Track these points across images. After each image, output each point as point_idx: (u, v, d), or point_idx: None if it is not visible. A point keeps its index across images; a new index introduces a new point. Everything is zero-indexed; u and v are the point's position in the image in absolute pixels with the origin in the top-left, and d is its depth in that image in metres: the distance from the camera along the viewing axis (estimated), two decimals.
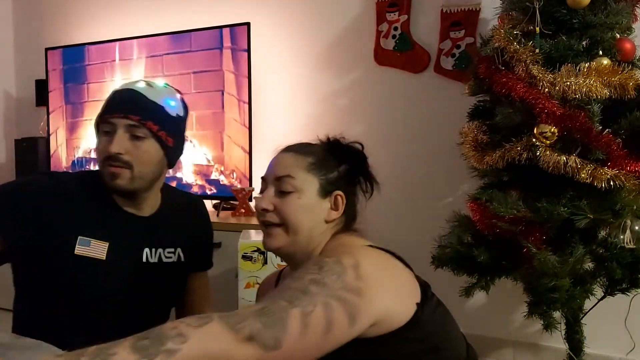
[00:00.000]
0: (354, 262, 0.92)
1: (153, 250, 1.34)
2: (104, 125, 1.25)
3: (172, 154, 1.31)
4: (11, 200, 1.23)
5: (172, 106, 1.29)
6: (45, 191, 1.25)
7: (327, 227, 1.07)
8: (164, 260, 1.35)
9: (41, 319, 1.27)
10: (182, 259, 1.39)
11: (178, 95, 1.34)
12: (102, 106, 1.29)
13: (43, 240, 1.22)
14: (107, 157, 1.23)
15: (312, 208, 1.05)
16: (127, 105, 1.24)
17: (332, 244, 1.07)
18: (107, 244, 1.26)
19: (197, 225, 1.47)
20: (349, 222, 1.11)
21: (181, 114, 1.32)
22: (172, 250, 1.37)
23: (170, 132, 1.28)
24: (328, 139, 1.12)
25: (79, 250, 1.23)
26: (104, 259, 1.25)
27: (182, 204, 1.45)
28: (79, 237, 1.24)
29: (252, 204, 2.75)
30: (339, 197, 1.07)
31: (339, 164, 1.09)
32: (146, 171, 1.26)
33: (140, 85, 1.28)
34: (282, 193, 1.05)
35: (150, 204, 1.35)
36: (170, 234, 1.37)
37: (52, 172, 1.33)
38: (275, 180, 1.06)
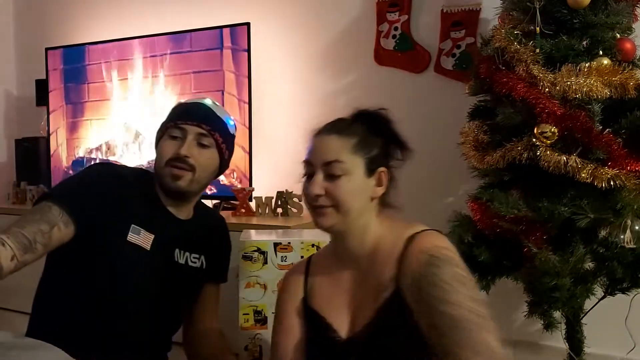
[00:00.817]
0: (464, 266, 1.06)
1: (182, 252, 1.43)
2: (173, 130, 1.38)
3: (223, 166, 1.45)
4: (83, 189, 1.32)
5: (231, 125, 1.45)
6: (109, 178, 1.36)
7: (372, 203, 1.14)
8: (190, 264, 1.44)
9: (68, 298, 1.33)
10: (204, 267, 1.47)
11: (232, 117, 1.49)
12: (169, 115, 1.43)
13: (100, 224, 1.29)
14: (173, 159, 1.35)
15: (360, 188, 1.10)
16: (200, 116, 1.39)
17: (402, 229, 1.13)
18: (153, 236, 1.36)
19: (221, 239, 1.57)
20: (386, 194, 1.16)
21: (234, 133, 1.47)
22: (197, 256, 1.46)
23: (228, 146, 1.42)
24: (361, 113, 1.16)
25: (131, 237, 1.33)
26: (149, 249, 1.34)
27: (210, 218, 1.57)
28: (132, 225, 1.33)
29: (252, 203, 2.76)
30: (382, 174, 1.13)
31: (377, 139, 1.14)
32: (204, 176, 1.39)
33: (208, 102, 1.44)
34: (331, 177, 1.09)
35: (188, 210, 1.45)
36: (198, 241, 1.46)
37: (112, 163, 1.49)
38: (324, 165, 1.10)
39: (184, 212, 1.44)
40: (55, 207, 1.24)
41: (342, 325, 1.13)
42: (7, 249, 1.11)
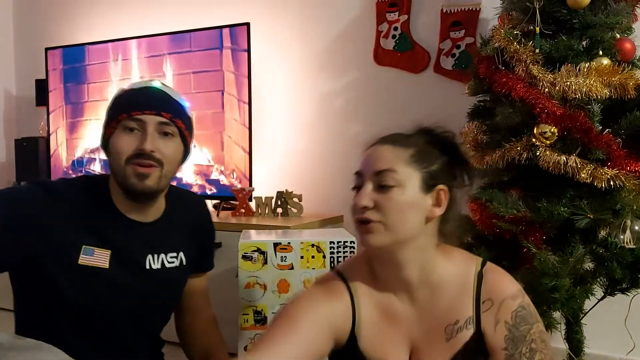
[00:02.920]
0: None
1: (155, 256, 1.31)
2: (128, 122, 1.20)
3: (187, 154, 1.31)
4: (5, 210, 1.17)
5: (187, 107, 1.29)
6: (42, 202, 1.20)
7: (429, 226, 1.01)
8: (167, 265, 1.33)
9: (44, 327, 1.24)
10: (184, 262, 1.36)
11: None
12: (115, 104, 1.24)
13: (42, 251, 1.19)
14: (137, 155, 1.18)
15: (414, 204, 0.98)
16: (158, 103, 1.22)
17: (462, 259, 1.06)
18: (109, 252, 1.23)
19: (200, 226, 1.44)
20: (445, 219, 1.03)
21: (191, 115, 1.32)
22: (175, 254, 1.34)
23: (190, 132, 1.28)
24: (423, 128, 1.06)
25: (83, 259, 1.20)
26: (107, 267, 1.22)
27: (185, 204, 1.42)
28: (84, 246, 1.21)
29: (252, 204, 2.76)
30: (442, 192, 1.00)
31: (439, 155, 1.02)
32: (172, 170, 1.24)
33: (157, 84, 1.26)
34: (382, 188, 0.98)
35: (156, 208, 1.31)
36: (172, 238, 1.34)
37: (47, 181, 1.29)
38: (375, 174, 0.99)
39: (150, 214, 1.29)
40: None
41: None
42: None
